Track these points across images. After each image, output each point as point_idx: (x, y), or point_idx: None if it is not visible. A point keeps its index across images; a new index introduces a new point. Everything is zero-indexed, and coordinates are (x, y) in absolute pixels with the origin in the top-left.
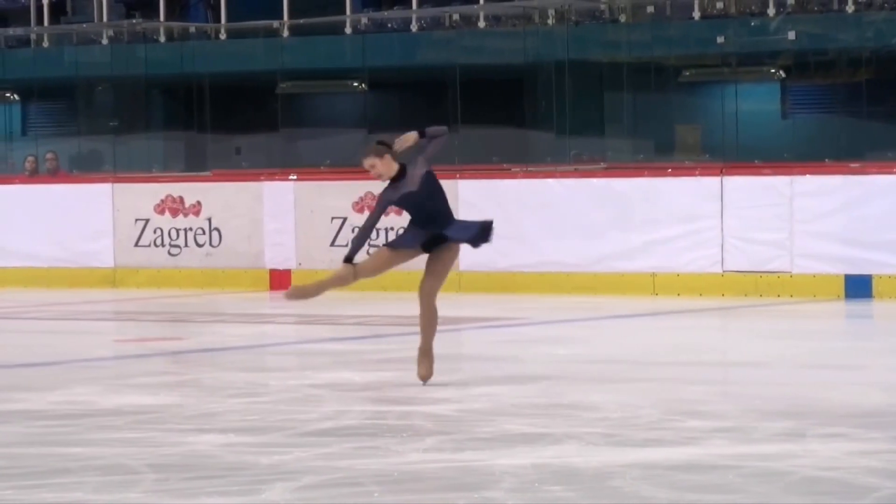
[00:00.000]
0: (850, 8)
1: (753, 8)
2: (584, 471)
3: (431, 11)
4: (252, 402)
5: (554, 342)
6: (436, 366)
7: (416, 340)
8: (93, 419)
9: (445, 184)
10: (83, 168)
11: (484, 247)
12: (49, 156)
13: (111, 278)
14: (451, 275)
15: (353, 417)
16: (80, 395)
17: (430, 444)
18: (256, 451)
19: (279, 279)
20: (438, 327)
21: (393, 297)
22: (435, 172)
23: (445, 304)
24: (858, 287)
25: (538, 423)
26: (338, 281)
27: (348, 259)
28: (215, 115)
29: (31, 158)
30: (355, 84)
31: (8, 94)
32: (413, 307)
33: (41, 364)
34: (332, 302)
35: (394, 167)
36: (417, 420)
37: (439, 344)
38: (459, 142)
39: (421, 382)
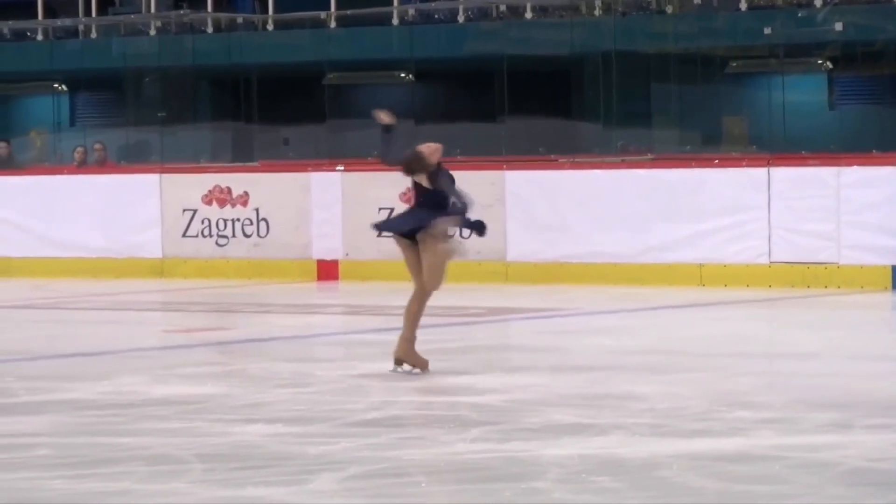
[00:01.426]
0: None
1: None
2: (631, 461)
3: (478, 2)
4: (299, 392)
5: (601, 333)
6: (483, 356)
7: (464, 331)
8: (140, 409)
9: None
10: (131, 159)
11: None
12: (97, 146)
13: (159, 269)
14: (497, 266)
15: (399, 408)
16: (128, 385)
17: (477, 434)
18: (303, 441)
19: (326, 269)
20: (486, 317)
21: (441, 288)
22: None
23: (492, 294)
24: None
25: (585, 413)
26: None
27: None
28: (262, 106)
29: (80, 149)
30: (402, 75)
31: (56, 85)
32: (460, 298)
33: (89, 354)
34: (379, 293)
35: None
36: (464, 410)
37: (487, 333)
38: (506, 133)
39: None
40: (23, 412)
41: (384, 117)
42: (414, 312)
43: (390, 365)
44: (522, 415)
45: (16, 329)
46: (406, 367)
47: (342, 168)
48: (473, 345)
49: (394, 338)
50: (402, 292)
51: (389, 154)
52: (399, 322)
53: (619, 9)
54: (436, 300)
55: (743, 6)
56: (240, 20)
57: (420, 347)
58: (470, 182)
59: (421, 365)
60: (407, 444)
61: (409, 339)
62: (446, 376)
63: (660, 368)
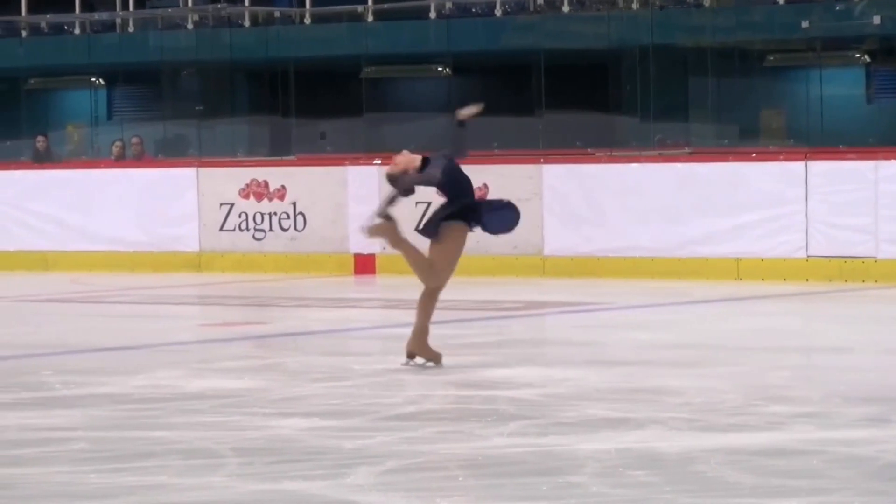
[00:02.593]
0: None
1: None
2: (668, 456)
3: None
4: (336, 386)
5: (637, 327)
6: (520, 350)
7: (501, 325)
8: (177, 403)
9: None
10: (168, 153)
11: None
12: (134, 140)
13: (196, 262)
14: (534, 259)
15: (436, 402)
16: (165, 378)
17: (514, 428)
18: (340, 435)
19: (363, 263)
20: (522, 311)
21: (478, 283)
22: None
23: (528, 288)
24: None
25: (621, 407)
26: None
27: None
28: (300, 100)
29: (118, 143)
30: (439, 69)
31: (94, 79)
32: (497, 292)
33: (126, 348)
34: (416, 287)
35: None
36: (501, 404)
37: (523, 327)
38: (543, 127)
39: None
40: (59, 406)
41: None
42: (425, 305)
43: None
44: (559, 409)
45: (53, 322)
46: (419, 360)
47: (379, 162)
48: (510, 339)
49: (431, 331)
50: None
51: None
52: (435, 315)
53: (657, 2)
54: (473, 294)
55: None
56: (277, 14)
57: (456, 342)
58: (507, 176)
59: (434, 358)
60: (444, 438)
61: (421, 331)
62: (483, 370)
63: (696, 362)
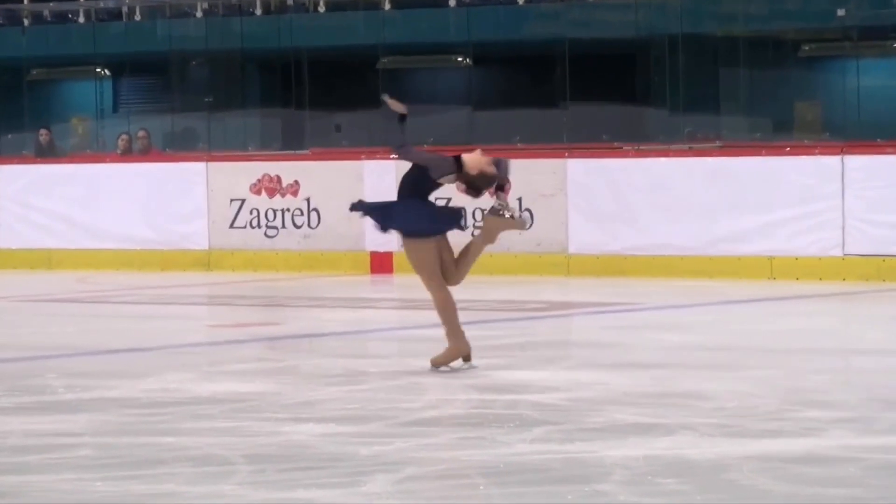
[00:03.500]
0: None
1: None
2: (699, 463)
3: None
4: (352, 390)
5: (666, 328)
6: (544, 352)
7: (524, 327)
8: (186, 407)
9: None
10: (176, 146)
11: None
12: (141, 134)
13: (205, 261)
14: (559, 258)
15: (457, 406)
16: (173, 382)
17: (538, 434)
18: (356, 442)
19: (380, 262)
20: (547, 312)
21: (500, 282)
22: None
23: (553, 288)
24: None
25: (650, 412)
26: None
27: None
28: (314, 92)
29: (124, 137)
30: (459, 59)
31: (99, 70)
32: (520, 292)
33: (133, 350)
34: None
35: None
36: (524, 409)
37: (548, 329)
38: (568, 119)
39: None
40: (64, 411)
41: (397, 105)
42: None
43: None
44: (585, 414)
45: (57, 323)
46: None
47: (396, 156)
48: (534, 341)
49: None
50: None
51: (410, 147)
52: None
53: None
54: (494, 293)
55: None
56: (290, 2)
57: (478, 344)
58: (530, 171)
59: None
60: (465, 444)
61: (458, 332)
62: (506, 373)
63: (728, 365)
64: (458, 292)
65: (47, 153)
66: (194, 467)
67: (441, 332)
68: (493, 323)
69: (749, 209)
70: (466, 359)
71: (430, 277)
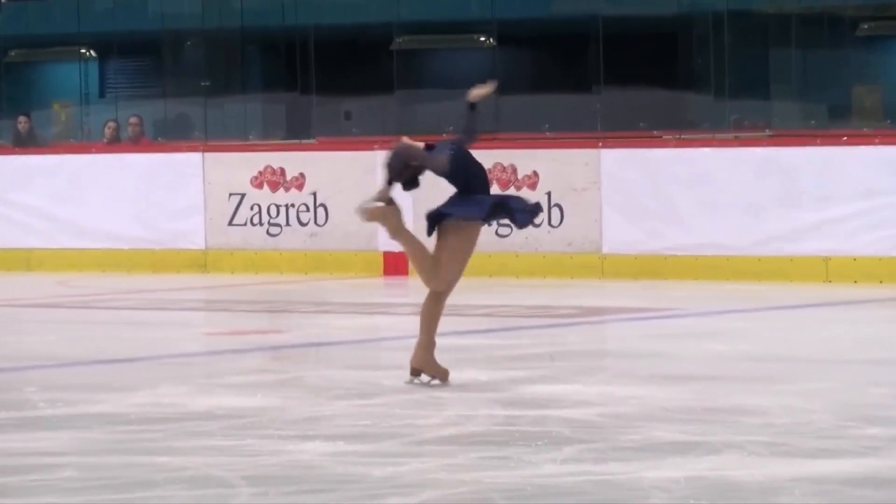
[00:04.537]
0: None
1: None
2: (747, 485)
3: None
4: (363, 404)
5: (710, 337)
6: (575, 363)
7: (553, 334)
8: (180, 424)
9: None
10: (170, 135)
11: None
12: (132, 121)
13: (202, 261)
14: (592, 258)
15: (479, 423)
16: (166, 396)
17: (568, 453)
18: (368, 462)
19: (394, 263)
20: (578, 318)
21: (527, 285)
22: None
23: (585, 291)
24: None
25: (692, 430)
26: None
27: None
28: (321, 75)
29: (111, 124)
30: (482, 39)
31: (84, 51)
32: (549, 296)
33: (121, 361)
34: (455, 290)
35: None
36: (554, 426)
37: (580, 337)
38: (602, 105)
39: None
40: (45, 427)
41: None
42: (430, 313)
43: (472, 373)
44: (621, 431)
45: (37, 331)
46: (424, 377)
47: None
48: (564, 350)
49: (474, 341)
50: (481, 289)
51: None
52: (475, 323)
53: None
54: (521, 298)
55: None
56: None
57: (502, 353)
58: (560, 162)
59: (441, 375)
60: (488, 464)
61: (426, 345)
62: (533, 386)
63: (779, 378)
64: (478, 297)
65: (26, 142)
66: (189, 490)
67: (469, 340)
68: (518, 331)
69: (802, 205)
70: (416, 373)
71: (460, 265)
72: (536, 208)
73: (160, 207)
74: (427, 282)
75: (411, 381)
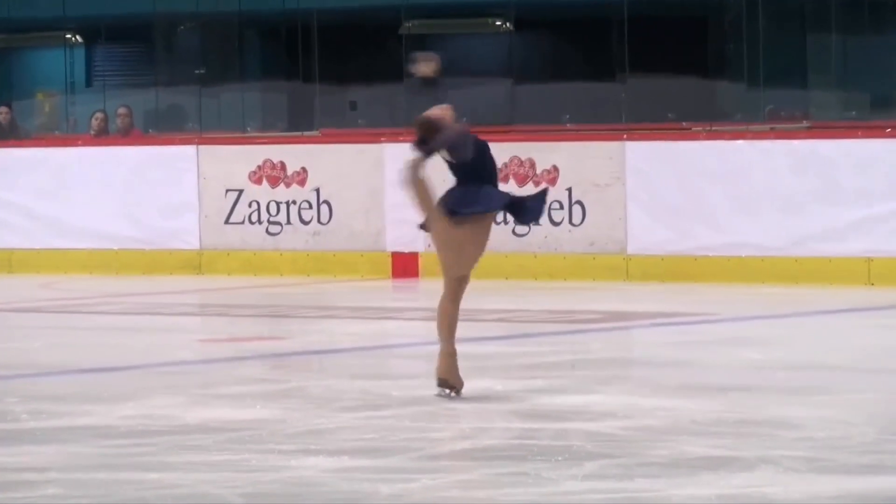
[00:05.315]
0: None
1: None
2: None
3: None
4: (370, 416)
5: (744, 344)
6: (599, 372)
7: (575, 341)
8: (173, 437)
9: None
10: (162, 127)
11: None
12: (121, 111)
13: (196, 262)
14: (616, 259)
15: (495, 436)
16: (159, 407)
17: (591, 469)
18: (375, 478)
19: (403, 264)
20: (602, 324)
21: (548, 288)
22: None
23: (609, 295)
24: None
25: (725, 444)
26: None
27: None
28: (325, 62)
29: (99, 115)
30: (498, 23)
31: (69, 36)
32: (571, 300)
33: (110, 369)
34: (467, 293)
35: None
36: (575, 440)
37: (603, 344)
38: (627, 94)
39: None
40: (28, 441)
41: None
42: (447, 319)
43: (488, 383)
44: (647, 446)
45: (20, 338)
46: (447, 389)
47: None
48: (587, 358)
49: (489, 348)
50: (497, 292)
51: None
52: (490, 329)
53: None
54: (540, 302)
55: None
56: None
57: (520, 362)
58: (582, 156)
59: (458, 385)
60: (504, 481)
61: (449, 352)
62: (553, 397)
63: (818, 388)
64: (494, 300)
65: (7, 135)
66: None
67: (484, 347)
68: (537, 337)
69: (843, 201)
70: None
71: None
72: (543, 195)
73: (151, 204)
74: (450, 267)
75: (441, 394)
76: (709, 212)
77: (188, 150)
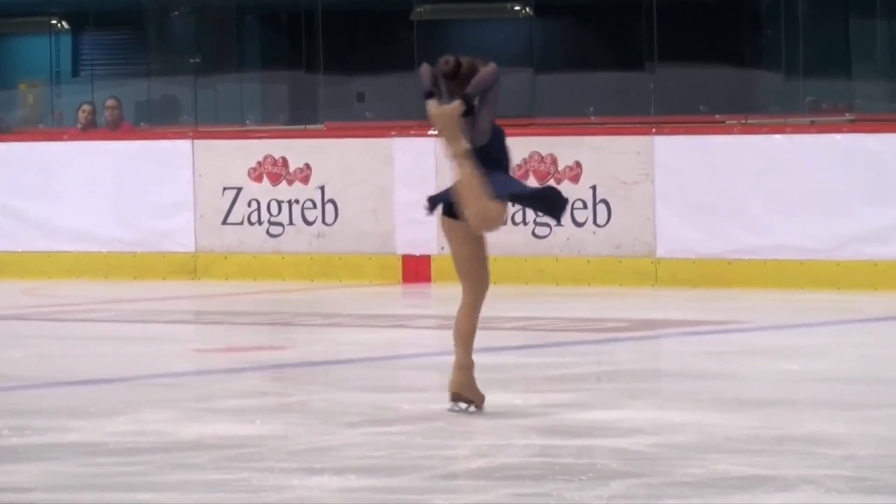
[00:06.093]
0: None
1: None
2: None
3: None
4: (379, 432)
5: (782, 354)
6: (626, 385)
7: (601, 351)
8: (167, 455)
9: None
10: (154, 120)
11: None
12: (109, 103)
13: (191, 266)
14: (644, 263)
15: (513, 454)
16: (150, 422)
17: (617, 489)
18: (385, 499)
19: (414, 268)
20: (629, 332)
21: (571, 294)
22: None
23: (637, 301)
24: None
25: (761, 462)
26: None
27: None
28: (330, 50)
29: (86, 107)
30: (516, 8)
31: (54, 22)
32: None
33: (98, 381)
34: (486, 299)
35: None
36: (600, 458)
37: (631, 354)
38: (656, 85)
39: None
40: (9, 459)
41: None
42: (467, 328)
43: (506, 396)
44: (678, 464)
45: (0, 347)
46: (462, 404)
47: (436, 132)
48: (613, 370)
49: (507, 359)
50: (516, 298)
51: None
52: (509, 338)
53: None
54: (563, 309)
55: None
56: None
57: (541, 374)
58: (608, 151)
59: (478, 400)
60: (524, 502)
61: (466, 365)
62: (576, 412)
63: (862, 402)
64: (513, 307)
65: None
66: None
67: (502, 357)
68: (560, 347)
69: (889, 200)
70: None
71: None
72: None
73: (143, 203)
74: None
75: (453, 408)
76: (744, 211)
77: (182, 145)
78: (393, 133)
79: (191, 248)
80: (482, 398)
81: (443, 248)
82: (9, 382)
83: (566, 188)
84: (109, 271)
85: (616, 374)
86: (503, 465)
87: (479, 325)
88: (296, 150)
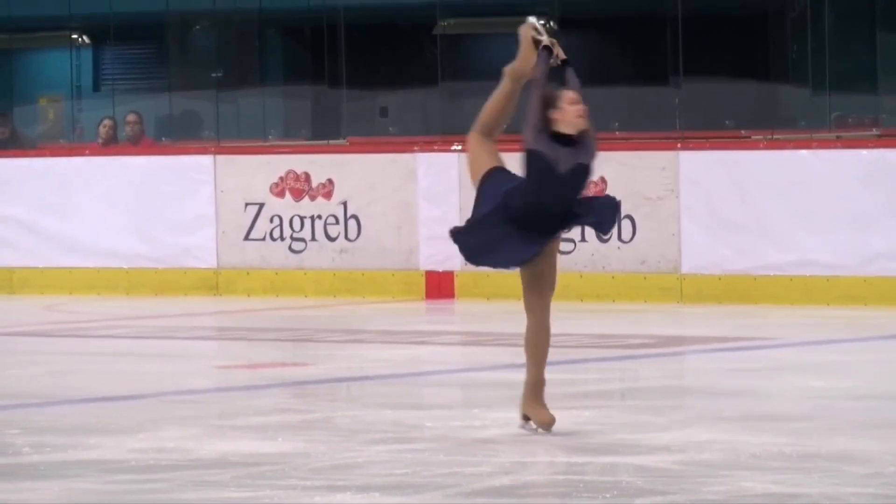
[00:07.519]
0: None
1: None
2: None
3: None
4: (401, 450)
5: (808, 371)
6: (650, 402)
7: (625, 368)
8: (189, 472)
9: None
10: (176, 135)
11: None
12: (130, 118)
13: (213, 282)
14: (670, 279)
15: (537, 472)
16: (172, 440)
17: None
18: None
19: (438, 284)
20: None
21: (595, 310)
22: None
23: (662, 318)
24: None
25: (787, 479)
26: None
27: None
28: (353, 64)
29: (107, 122)
30: (541, 22)
31: (76, 37)
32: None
33: (119, 398)
34: (507, 316)
35: None
36: (624, 475)
37: (655, 371)
38: (681, 100)
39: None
40: (29, 476)
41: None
42: (536, 341)
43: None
44: (703, 482)
45: (21, 364)
46: (532, 424)
47: (459, 147)
48: (637, 386)
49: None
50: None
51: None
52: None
53: None
54: (587, 325)
55: None
56: None
57: (565, 391)
58: (632, 165)
59: (544, 423)
60: None
61: (537, 383)
62: (601, 429)
63: (889, 420)
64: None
65: (8, 144)
66: None
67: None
68: (584, 364)
69: None
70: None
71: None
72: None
73: (164, 219)
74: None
75: (524, 426)
76: (770, 227)
77: (204, 161)
78: (416, 148)
79: (213, 264)
80: (550, 421)
81: (466, 263)
82: (30, 399)
83: None
84: (131, 287)
85: (640, 392)
86: (527, 483)
87: (501, 342)
88: (318, 165)
